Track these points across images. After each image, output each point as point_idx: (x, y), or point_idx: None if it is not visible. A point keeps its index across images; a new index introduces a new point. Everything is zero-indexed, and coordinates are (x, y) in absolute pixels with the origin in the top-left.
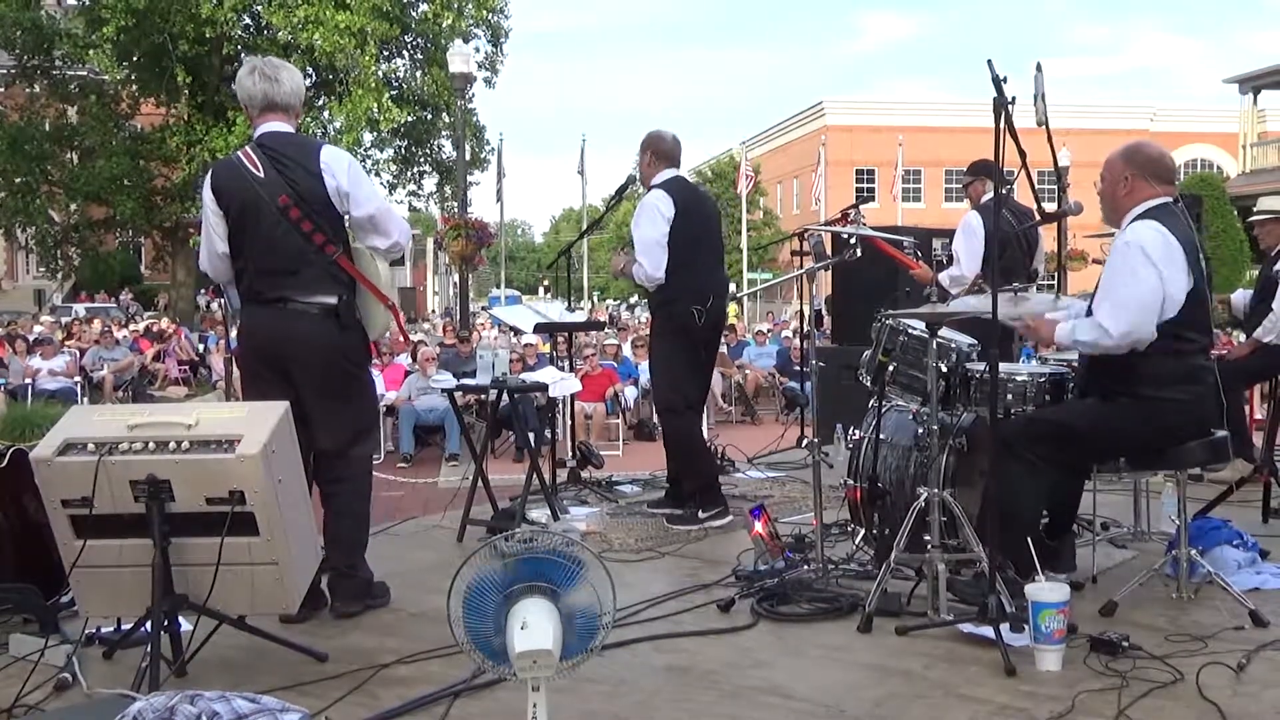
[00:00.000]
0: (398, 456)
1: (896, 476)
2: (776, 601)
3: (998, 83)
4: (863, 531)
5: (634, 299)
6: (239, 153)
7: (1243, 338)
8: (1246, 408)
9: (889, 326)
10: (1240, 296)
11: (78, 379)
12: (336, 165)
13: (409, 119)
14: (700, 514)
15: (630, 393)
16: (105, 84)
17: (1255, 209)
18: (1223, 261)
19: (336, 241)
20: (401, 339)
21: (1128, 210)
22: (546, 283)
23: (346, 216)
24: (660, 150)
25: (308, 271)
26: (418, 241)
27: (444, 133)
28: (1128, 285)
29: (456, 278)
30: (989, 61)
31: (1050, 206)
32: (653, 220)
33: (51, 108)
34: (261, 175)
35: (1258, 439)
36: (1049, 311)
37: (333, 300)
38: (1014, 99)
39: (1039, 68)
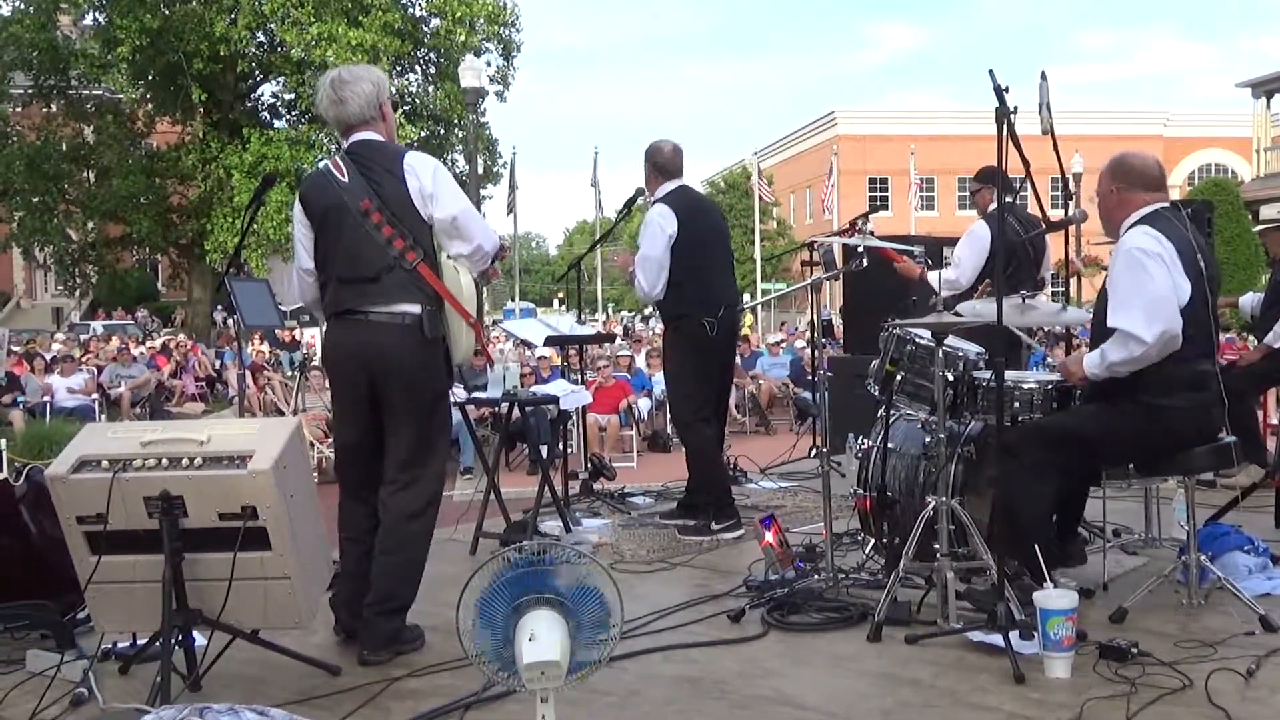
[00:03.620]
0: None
1: (905, 485)
2: (787, 611)
3: (999, 92)
4: (872, 541)
5: (648, 310)
6: (328, 161)
7: (1255, 342)
8: (1260, 412)
9: (896, 336)
10: (1249, 299)
11: (95, 396)
12: (421, 167)
13: (422, 134)
14: (713, 525)
15: (644, 404)
16: (121, 103)
17: (1262, 217)
18: (1238, 266)
19: (418, 248)
20: (485, 357)
21: (1121, 221)
22: (561, 295)
23: (430, 220)
24: (659, 163)
25: (388, 278)
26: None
27: (457, 147)
28: (1146, 288)
29: None
30: (990, 72)
31: (1057, 214)
32: (654, 237)
33: (68, 127)
34: (346, 181)
35: (1271, 444)
36: (1056, 317)
37: (415, 309)
38: (1016, 108)
39: (1043, 76)
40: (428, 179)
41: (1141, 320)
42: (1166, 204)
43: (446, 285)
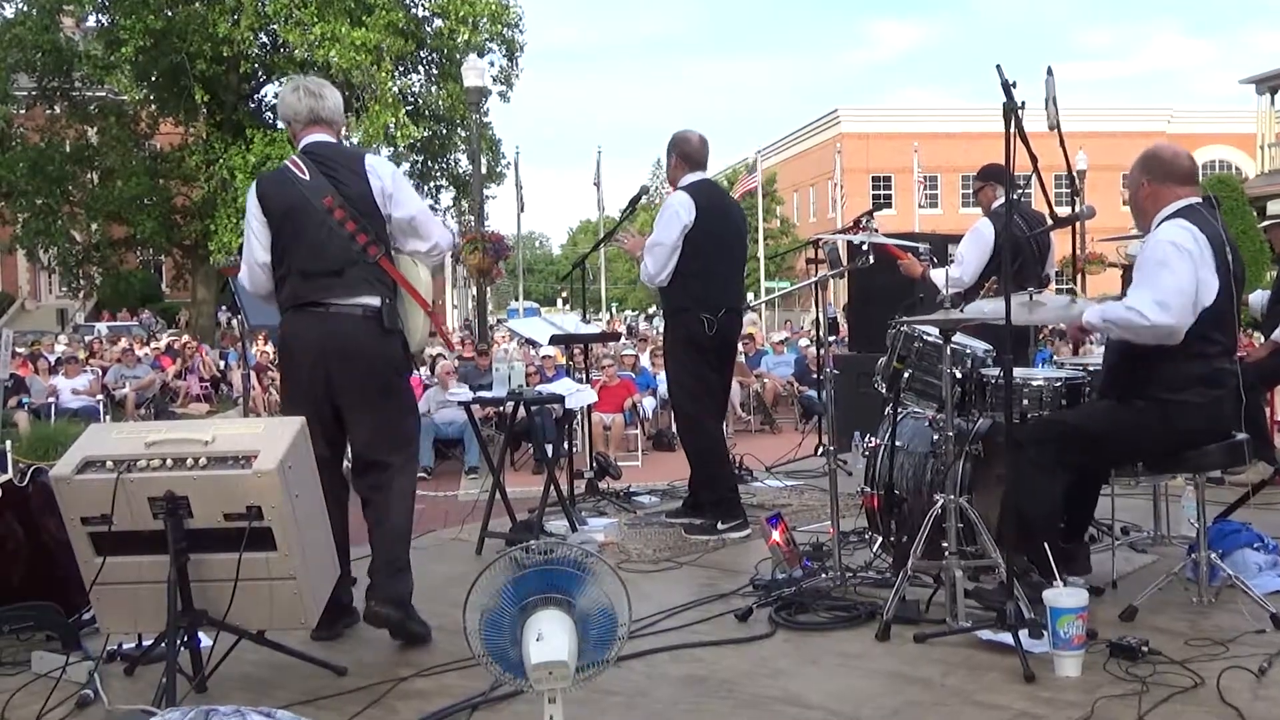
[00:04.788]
0: (417, 469)
1: (913, 483)
2: (794, 610)
3: (1007, 88)
4: (880, 539)
5: (652, 309)
6: (286, 161)
7: (1262, 339)
8: (1266, 409)
9: (904, 333)
10: (1258, 297)
11: (100, 397)
12: (381, 169)
13: (425, 134)
14: (719, 525)
15: (648, 403)
16: (124, 104)
17: (1268, 213)
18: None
19: (379, 243)
20: (445, 342)
21: (1154, 215)
22: (565, 294)
23: (388, 219)
24: (685, 152)
25: (351, 272)
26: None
27: (460, 147)
28: (1166, 277)
29: (474, 291)
30: (998, 66)
31: (1064, 211)
32: (669, 223)
33: (72, 129)
34: (308, 179)
35: (1278, 441)
36: (1064, 312)
37: (375, 302)
38: (1024, 103)
39: (1050, 71)
40: (388, 180)
41: (1151, 303)
42: (1200, 200)
43: (405, 275)
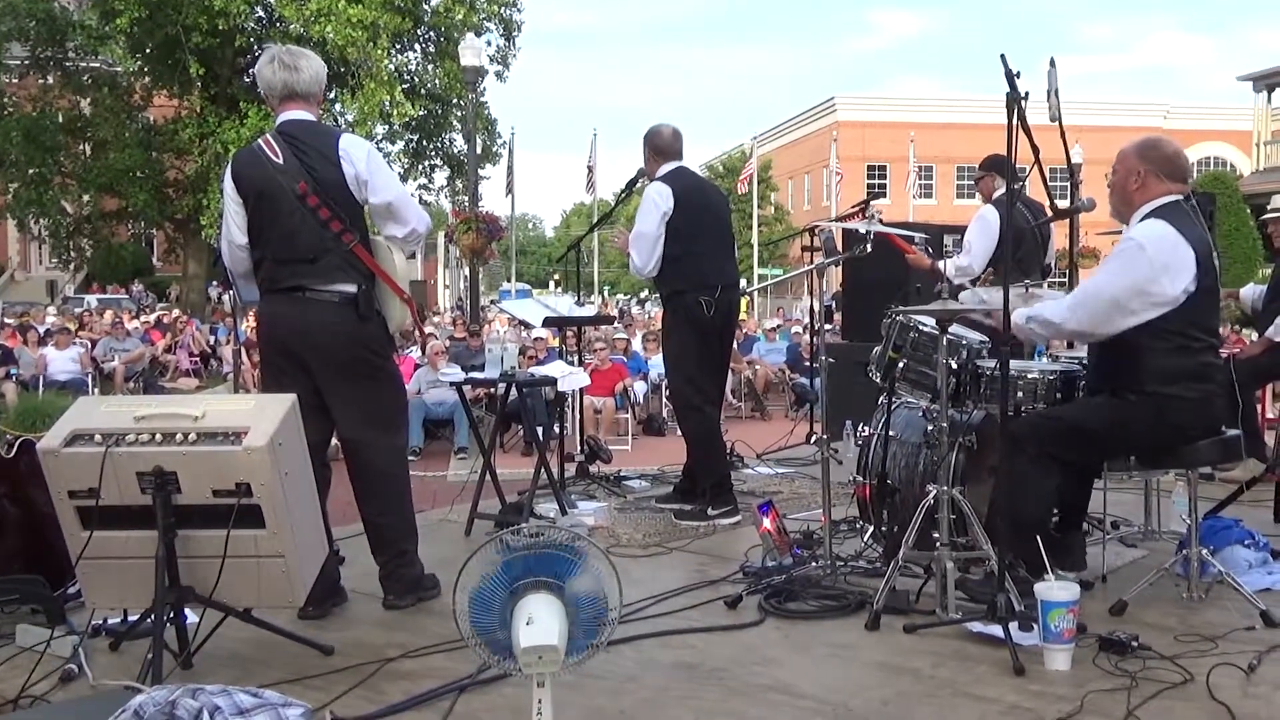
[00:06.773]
0: (406, 450)
1: (906, 474)
2: (784, 598)
3: (1011, 78)
4: (871, 529)
5: (644, 294)
6: (260, 140)
7: (1254, 336)
8: (1259, 406)
9: (900, 323)
10: (1250, 291)
11: (89, 370)
12: (355, 152)
13: (420, 113)
14: (710, 510)
15: (639, 388)
16: (118, 76)
17: (1269, 207)
18: (1234, 260)
19: (353, 230)
20: (417, 333)
21: (1138, 206)
22: (557, 277)
23: (365, 205)
24: (658, 145)
25: (325, 260)
26: (429, 235)
27: (455, 126)
28: (1105, 281)
29: (467, 271)
30: (1002, 56)
31: (1063, 203)
32: (647, 213)
33: (65, 99)
34: (281, 162)
35: (1270, 438)
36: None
37: (351, 289)
38: (1027, 94)
39: (1052, 63)
40: (362, 165)
41: (1067, 304)
42: (1182, 196)
43: (380, 263)
